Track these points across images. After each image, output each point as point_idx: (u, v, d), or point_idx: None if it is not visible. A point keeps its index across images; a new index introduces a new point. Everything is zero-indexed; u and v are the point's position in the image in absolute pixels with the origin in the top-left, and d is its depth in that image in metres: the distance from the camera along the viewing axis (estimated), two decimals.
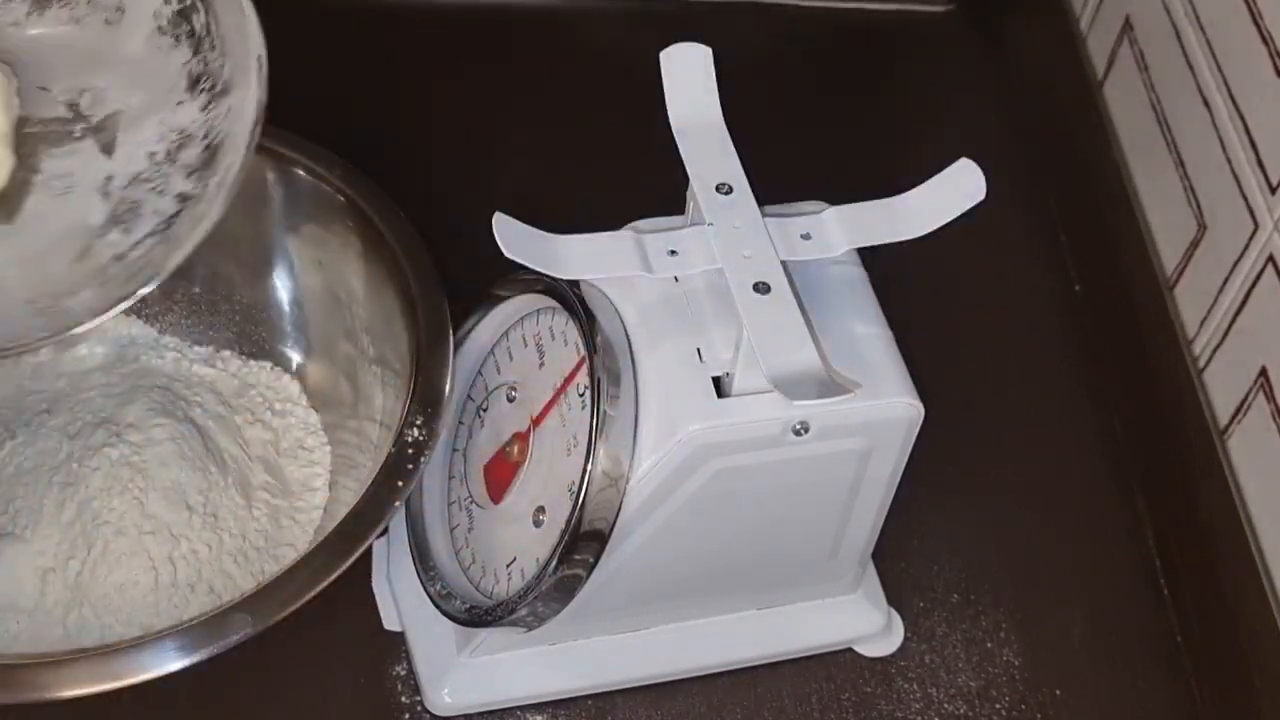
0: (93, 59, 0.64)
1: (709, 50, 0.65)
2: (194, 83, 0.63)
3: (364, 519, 0.65)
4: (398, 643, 0.73)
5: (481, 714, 0.71)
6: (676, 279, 0.64)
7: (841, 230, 0.63)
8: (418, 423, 0.68)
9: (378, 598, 0.74)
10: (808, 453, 0.63)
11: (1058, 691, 0.75)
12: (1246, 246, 0.77)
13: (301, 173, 0.75)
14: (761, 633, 0.73)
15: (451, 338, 0.70)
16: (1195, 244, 0.83)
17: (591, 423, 0.61)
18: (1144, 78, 0.89)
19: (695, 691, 0.73)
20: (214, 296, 0.79)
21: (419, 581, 0.70)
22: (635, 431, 0.62)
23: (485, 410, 0.71)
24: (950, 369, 0.81)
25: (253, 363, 0.79)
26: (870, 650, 0.76)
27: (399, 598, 0.73)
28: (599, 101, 0.97)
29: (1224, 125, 0.79)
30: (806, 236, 0.63)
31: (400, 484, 0.66)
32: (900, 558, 0.79)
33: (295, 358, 0.79)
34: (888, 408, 0.63)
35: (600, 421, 0.61)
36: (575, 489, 0.62)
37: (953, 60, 1.05)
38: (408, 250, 0.73)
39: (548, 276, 0.61)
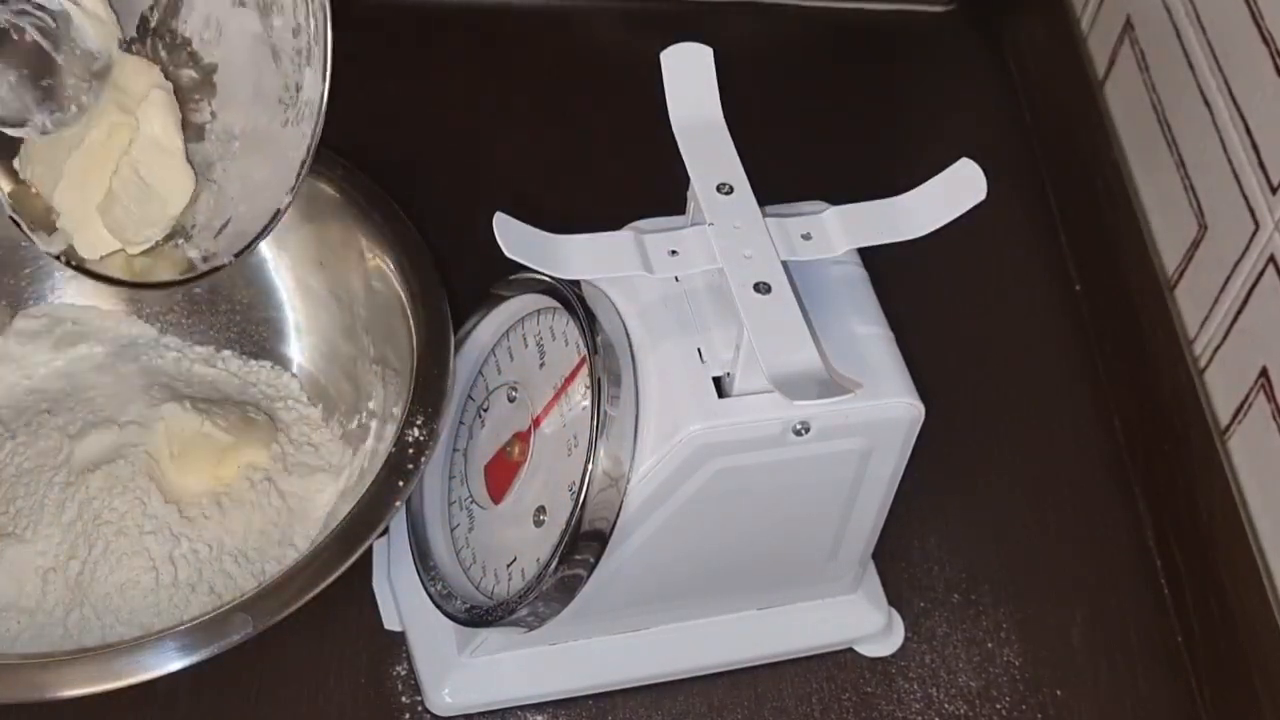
0: None
1: (709, 50, 0.65)
2: None
3: (364, 519, 0.65)
4: (398, 643, 0.73)
5: (482, 714, 0.71)
6: (677, 279, 0.64)
7: (842, 230, 0.63)
8: (418, 423, 0.68)
9: (378, 598, 0.74)
10: (808, 453, 0.63)
11: (1058, 691, 0.75)
12: (1247, 246, 0.77)
13: None
14: (762, 633, 0.73)
15: (452, 338, 0.70)
16: (1195, 244, 0.83)
17: (592, 423, 0.61)
18: (1144, 78, 0.89)
19: (696, 691, 0.73)
20: (214, 296, 0.79)
21: (419, 581, 0.70)
22: (636, 431, 0.62)
23: (486, 410, 0.71)
24: (950, 369, 0.81)
25: (253, 362, 0.79)
26: (871, 650, 0.76)
27: (399, 598, 0.73)
28: (599, 101, 0.97)
29: (1224, 125, 0.79)
30: (807, 236, 0.63)
31: (400, 484, 0.66)
32: (900, 558, 0.79)
33: (295, 357, 0.79)
34: (888, 408, 0.63)
35: (601, 421, 0.61)
36: (576, 489, 0.62)
37: (953, 60, 1.05)
38: (408, 250, 0.73)
39: (548, 277, 0.61)
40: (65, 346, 0.77)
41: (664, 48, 0.65)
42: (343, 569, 0.63)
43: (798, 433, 0.62)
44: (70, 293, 0.79)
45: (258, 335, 0.79)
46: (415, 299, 0.71)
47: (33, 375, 0.77)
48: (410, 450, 0.67)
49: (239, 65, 0.62)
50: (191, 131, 0.66)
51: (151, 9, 0.61)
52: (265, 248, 0.78)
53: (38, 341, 0.77)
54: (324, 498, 0.74)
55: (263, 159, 0.65)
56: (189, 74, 0.62)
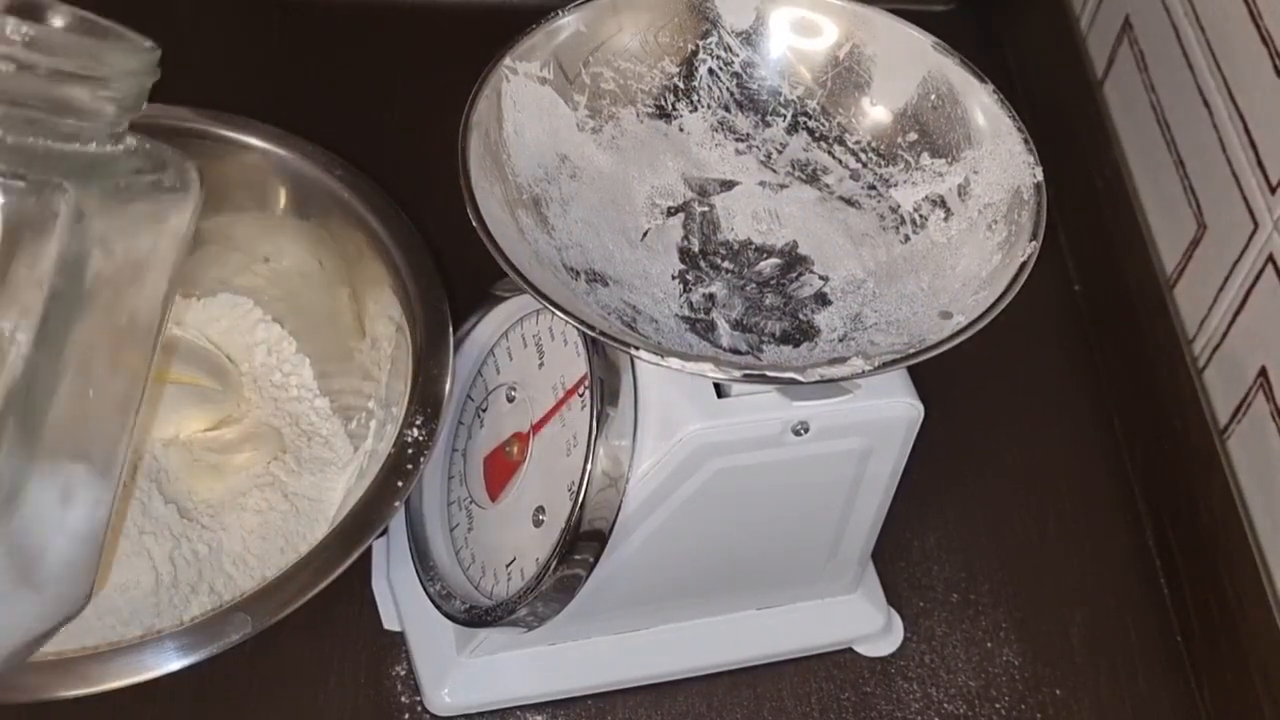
0: None
1: None
2: None
3: (364, 519, 0.65)
4: (398, 643, 0.73)
5: (481, 714, 0.71)
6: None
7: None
8: (418, 423, 0.68)
9: (378, 598, 0.74)
10: (808, 453, 0.63)
11: (1058, 691, 0.75)
12: (1246, 246, 0.77)
13: (302, 172, 0.75)
14: (761, 633, 0.73)
15: (451, 338, 0.70)
16: (1195, 244, 0.83)
17: (591, 422, 0.61)
18: (1144, 78, 0.89)
19: (695, 691, 0.73)
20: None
21: (419, 581, 0.70)
22: (635, 431, 0.62)
23: (485, 410, 0.71)
24: (950, 369, 0.81)
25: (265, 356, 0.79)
26: (870, 650, 0.76)
27: (399, 598, 0.73)
28: None
29: (1224, 125, 0.79)
30: None
31: (400, 484, 0.66)
32: (900, 558, 0.79)
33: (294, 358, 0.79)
34: (888, 408, 0.63)
35: (600, 421, 0.61)
36: (575, 488, 0.62)
37: None
38: (408, 250, 0.73)
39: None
40: None
41: None
42: (342, 569, 0.63)
43: (797, 433, 0.62)
44: None
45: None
46: (415, 299, 0.71)
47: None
48: (410, 450, 0.67)
49: (814, 228, 0.63)
50: (816, 298, 0.64)
51: (685, 239, 0.62)
52: (265, 248, 0.78)
53: None
54: (332, 497, 0.74)
55: (909, 273, 0.64)
56: (771, 263, 0.63)
